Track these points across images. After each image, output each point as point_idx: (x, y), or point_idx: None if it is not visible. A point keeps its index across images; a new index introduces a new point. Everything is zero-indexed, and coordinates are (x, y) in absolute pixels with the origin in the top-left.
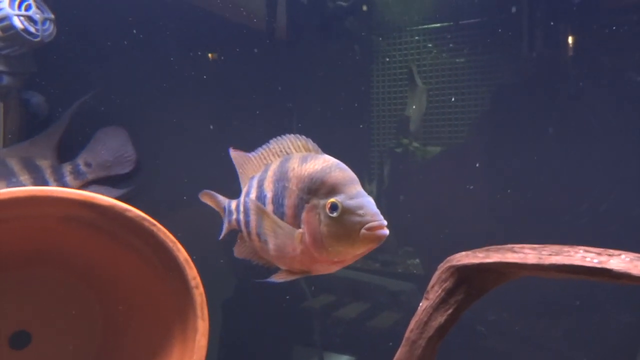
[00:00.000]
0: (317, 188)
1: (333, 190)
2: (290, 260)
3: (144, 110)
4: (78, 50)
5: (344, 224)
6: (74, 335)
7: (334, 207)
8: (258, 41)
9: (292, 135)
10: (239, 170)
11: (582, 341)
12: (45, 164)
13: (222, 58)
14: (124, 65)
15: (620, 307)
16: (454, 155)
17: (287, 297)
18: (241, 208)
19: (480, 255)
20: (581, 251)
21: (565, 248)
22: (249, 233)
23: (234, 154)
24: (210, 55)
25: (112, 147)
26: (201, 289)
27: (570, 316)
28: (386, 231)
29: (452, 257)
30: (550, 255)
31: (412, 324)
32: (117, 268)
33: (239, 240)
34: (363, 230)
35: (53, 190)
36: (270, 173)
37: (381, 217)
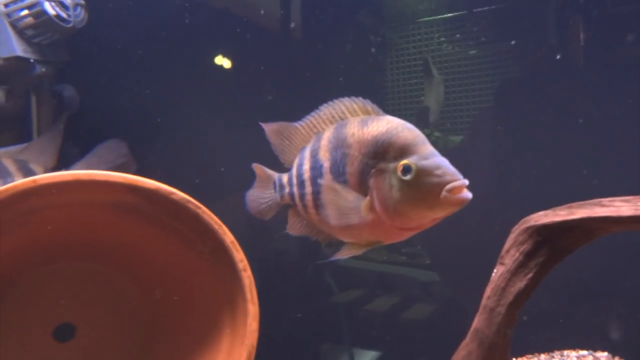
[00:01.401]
0: (384, 151)
1: (403, 151)
2: (358, 232)
3: (172, 104)
4: (110, 40)
5: (420, 186)
6: (119, 327)
7: (406, 169)
8: (271, 35)
9: (347, 98)
10: (281, 143)
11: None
12: (39, 170)
13: (240, 53)
14: (154, 59)
15: None
16: (475, 143)
17: (315, 292)
18: (294, 181)
19: (562, 213)
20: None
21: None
22: (304, 206)
23: (269, 127)
24: (226, 60)
25: (108, 160)
26: (249, 271)
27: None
28: (469, 193)
29: (528, 217)
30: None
31: (489, 290)
32: (162, 256)
33: (291, 217)
34: (444, 192)
35: (97, 173)
36: (324, 142)
37: (461, 176)
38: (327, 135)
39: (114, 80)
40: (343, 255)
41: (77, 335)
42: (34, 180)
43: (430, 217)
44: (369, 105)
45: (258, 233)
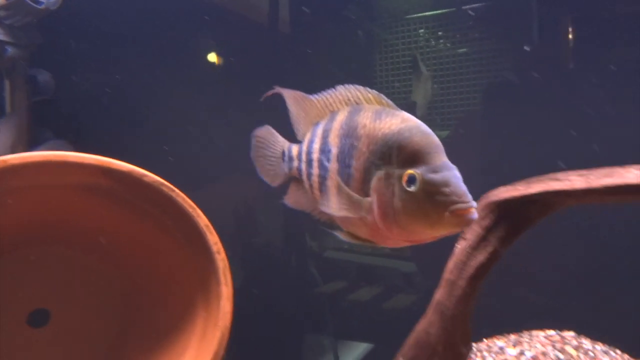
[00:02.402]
0: (392, 154)
1: (412, 158)
2: (357, 227)
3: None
4: (86, 23)
5: (424, 202)
6: (95, 312)
7: (411, 180)
8: (260, 31)
9: (362, 87)
10: (296, 112)
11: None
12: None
13: (226, 49)
14: (133, 42)
15: None
16: (461, 138)
17: (299, 283)
18: (303, 157)
19: (521, 188)
20: (634, 170)
21: (616, 169)
22: (310, 186)
23: (288, 93)
24: (209, 48)
25: None
26: (223, 254)
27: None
28: (475, 215)
29: (489, 193)
30: (599, 178)
31: (450, 265)
32: (136, 240)
33: (292, 189)
34: (447, 213)
35: (69, 155)
36: (336, 124)
37: (470, 197)
38: (341, 118)
39: (90, 65)
40: (342, 236)
41: (51, 321)
42: (4, 161)
43: (429, 234)
44: (384, 98)
45: (243, 225)
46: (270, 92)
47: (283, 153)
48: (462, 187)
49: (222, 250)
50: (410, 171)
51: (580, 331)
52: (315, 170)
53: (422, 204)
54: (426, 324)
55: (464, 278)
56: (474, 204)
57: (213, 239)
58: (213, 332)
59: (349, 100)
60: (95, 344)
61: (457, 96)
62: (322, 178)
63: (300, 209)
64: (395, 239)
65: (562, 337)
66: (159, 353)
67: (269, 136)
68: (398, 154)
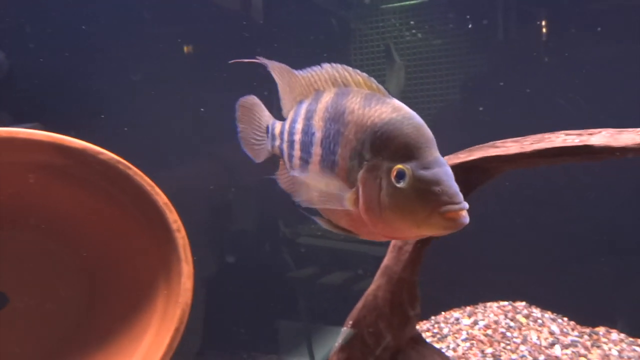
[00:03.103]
0: (381, 145)
1: (402, 152)
2: (339, 217)
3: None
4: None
5: (412, 199)
6: (55, 294)
7: (400, 175)
8: (234, 20)
9: (352, 68)
10: (282, 86)
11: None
12: None
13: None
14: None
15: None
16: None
17: (271, 269)
18: (285, 137)
19: (463, 155)
20: (562, 135)
21: (547, 135)
22: (291, 167)
23: (273, 65)
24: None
25: None
26: (183, 232)
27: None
28: (466, 218)
29: None
30: (532, 143)
31: None
32: (95, 220)
33: (282, 167)
34: (436, 214)
35: (19, 131)
36: (321, 106)
37: (461, 198)
38: (326, 100)
39: (46, 44)
40: (322, 223)
41: (9, 305)
42: None
43: (414, 233)
44: (374, 82)
45: (218, 213)
46: (249, 60)
47: (267, 129)
48: (454, 187)
49: (182, 228)
50: (399, 166)
51: (532, 302)
52: (297, 153)
53: (410, 201)
54: (374, 288)
55: (411, 243)
56: (466, 205)
57: (172, 217)
58: (174, 310)
59: (335, 80)
60: (56, 326)
61: (430, 86)
62: (304, 162)
63: (286, 190)
64: (379, 234)
65: (514, 307)
66: (121, 332)
67: (254, 108)
68: (387, 145)
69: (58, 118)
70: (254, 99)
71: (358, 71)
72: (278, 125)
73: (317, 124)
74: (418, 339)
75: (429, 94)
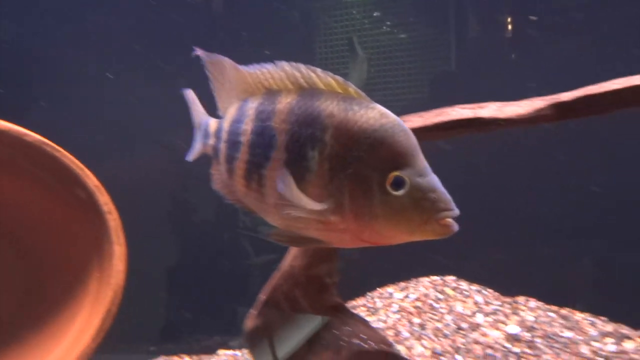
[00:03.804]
0: (373, 153)
1: (396, 159)
2: (304, 228)
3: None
4: None
5: (408, 207)
6: None
7: (399, 183)
8: (193, 10)
9: (320, 69)
10: (218, 82)
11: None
12: None
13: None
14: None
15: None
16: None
17: (231, 257)
18: (223, 136)
19: None
20: (458, 109)
21: (445, 109)
22: (231, 171)
23: (210, 57)
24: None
25: None
26: (115, 214)
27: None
28: (456, 225)
29: None
30: (432, 117)
31: None
32: (23, 205)
33: (213, 169)
34: (433, 220)
35: None
36: (283, 107)
37: (454, 204)
38: (289, 100)
39: None
40: (275, 239)
41: None
42: None
43: (406, 239)
44: (351, 87)
45: (178, 202)
46: (197, 52)
47: (200, 125)
48: (446, 194)
49: (113, 210)
50: (396, 173)
51: (462, 277)
52: (243, 156)
53: (407, 209)
54: (291, 259)
55: None
56: (457, 212)
57: (104, 199)
58: (106, 292)
59: (296, 80)
60: None
61: (393, 79)
62: (257, 167)
63: (220, 191)
64: (361, 241)
65: (444, 281)
66: (56, 316)
67: (189, 103)
68: (379, 152)
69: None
70: (189, 94)
71: (329, 73)
72: (214, 122)
73: (280, 127)
74: (340, 308)
75: (392, 87)
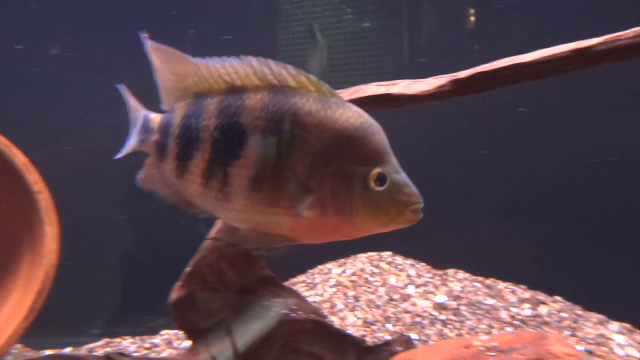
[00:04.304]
0: (353, 150)
1: (375, 157)
2: (274, 226)
3: None
4: None
5: (387, 201)
6: None
7: (381, 179)
8: None
9: (292, 67)
10: (165, 74)
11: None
12: None
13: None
14: None
15: None
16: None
17: (188, 243)
18: (174, 132)
19: None
20: (373, 86)
21: (362, 86)
22: (183, 169)
23: (155, 47)
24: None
25: None
26: (46, 194)
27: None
28: (421, 215)
29: None
30: (350, 95)
31: None
32: None
33: (149, 167)
34: (408, 212)
35: None
36: (254, 103)
37: (421, 196)
38: (260, 97)
39: None
40: (247, 244)
41: None
42: None
43: (380, 230)
44: (325, 86)
45: (132, 187)
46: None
47: (136, 121)
48: (415, 188)
49: (44, 189)
50: (379, 170)
51: (398, 253)
52: (204, 154)
53: (385, 203)
54: (217, 231)
55: None
56: (423, 203)
57: (33, 178)
58: (37, 272)
59: (265, 77)
60: None
61: (354, 67)
62: (222, 165)
63: (152, 190)
64: (334, 236)
65: (380, 256)
66: None
67: (124, 97)
68: (361, 150)
69: None
70: (121, 89)
71: (303, 71)
72: (156, 117)
73: (252, 123)
74: (271, 280)
75: (352, 75)
